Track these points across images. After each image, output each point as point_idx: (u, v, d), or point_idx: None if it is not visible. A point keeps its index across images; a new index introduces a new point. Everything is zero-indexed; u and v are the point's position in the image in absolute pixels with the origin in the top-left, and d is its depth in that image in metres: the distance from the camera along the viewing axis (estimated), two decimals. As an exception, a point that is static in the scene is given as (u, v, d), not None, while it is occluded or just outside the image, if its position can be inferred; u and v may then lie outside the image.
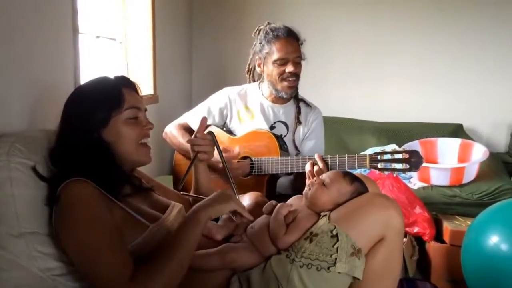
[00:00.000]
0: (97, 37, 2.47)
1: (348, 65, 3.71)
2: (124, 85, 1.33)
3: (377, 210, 1.25)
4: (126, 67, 2.82)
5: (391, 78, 3.67)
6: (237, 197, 1.45)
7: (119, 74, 1.39)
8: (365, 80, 3.70)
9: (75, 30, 1.86)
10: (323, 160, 1.75)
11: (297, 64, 2.00)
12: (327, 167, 1.75)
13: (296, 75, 2.01)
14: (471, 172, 2.71)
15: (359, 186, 1.37)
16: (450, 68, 3.59)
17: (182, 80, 3.71)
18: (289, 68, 1.97)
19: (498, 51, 3.51)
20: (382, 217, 1.24)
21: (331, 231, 1.21)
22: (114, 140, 1.28)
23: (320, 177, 1.41)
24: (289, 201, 1.44)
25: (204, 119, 1.63)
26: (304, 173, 1.77)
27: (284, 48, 1.97)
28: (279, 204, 1.34)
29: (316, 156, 1.75)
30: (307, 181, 1.73)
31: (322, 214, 1.29)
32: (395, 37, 3.62)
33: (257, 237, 1.30)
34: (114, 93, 1.29)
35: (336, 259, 1.18)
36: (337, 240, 1.20)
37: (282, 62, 1.97)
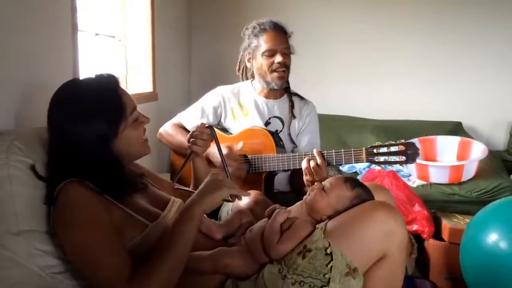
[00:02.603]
0: (96, 34, 2.46)
1: (347, 62, 3.71)
2: (117, 86, 1.27)
3: (376, 226, 1.16)
4: (125, 64, 2.82)
5: (391, 76, 3.68)
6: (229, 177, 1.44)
7: (104, 73, 1.30)
8: (364, 78, 3.70)
9: (74, 28, 1.86)
10: (322, 155, 1.75)
11: (286, 55, 2.01)
12: (327, 162, 1.75)
13: (285, 66, 2.01)
14: (470, 170, 2.72)
15: (362, 193, 1.31)
16: (449, 66, 3.59)
17: (181, 77, 3.71)
18: (278, 59, 1.98)
19: (498, 50, 3.51)
20: (381, 233, 1.16)
21: (326, 249, 1.15)
22: (125, 147, 1.26)
23: (322, 182, 1.37)
24: (291, 207, 1.38)
25: (202, 125, 1.66)
26: (301, 169, 1.77)
27: (272, 39, 1.99)
28: (276, 210, 1.28)
29: (314, 151, 1.75)
30: (304, 178, 1.73)
31: (318, 226, 1.23)
32: (394, 35, 3.62)
33: (253, 242, 1.26)
34: (116, 101, 1.23)
35: (329, 278, 1.12)
36: (331, 259, 1.13)
37: (271, 53, 1.99)
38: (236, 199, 1.27)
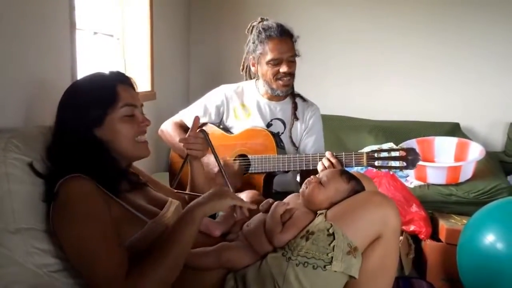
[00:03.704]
0: (95, 33, 2.46)
1: (346, 63, 3.72)
2: (119, 81, 1.31)
3: (373, 209, 1.24)
4: (123, 63, 2.82)
5: (389, 76, 3.68)
6: (231, 190, 1.46)
7: (114, 70, 1.36)
8: (363, 78, 3.70)
9: (72, 26, 1.85)
10: (335, 157, 1.74)
11: (291, 63, 1.98)
12: (341, 163, 1.74)
13: (290, 74, 1.99)
14: (467, 171, 2.72)
15: (356, 185, 1.37)
16: (448, 67, 3.59)
17: (180, 76, 3.71)
18: (283, 68, 1.96)
19: (496, 51, 3.52)
20: (378, 216, 1.23)
21: (328, 230, 1.21)
22: (110, 138, 1.28)
23: (317, 175, 1.41)
24: (286, 199, 1.43)
25: (196, 118, 1.64)
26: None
27: (278, 48, 1.95)
28: (275, 202, 1.33)
29: (327, 154, 1.75)
30: None
31: (318, 212, 1.29)
32: (393, 36, 3.63)
33: (253, 235, 1.30)
34: (109, 90, 1.27)
35: (332, 257, 1.17)
36: (333, 238, 1.19)
37: (276, 62, 1.96)
38: (239, 211, 1.30)
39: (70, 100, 1.28)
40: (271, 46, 1.95)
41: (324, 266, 1.17)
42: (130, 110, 1.30)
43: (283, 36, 1.97)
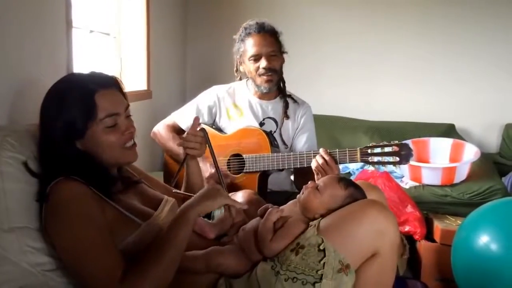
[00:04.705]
0: (91, 31, 2.45)
1: (341, 63, 3.72)
2: (98, 86, 1.24)
3: (368, 223, 1.18)
4: (119, 62, 2.81)
5: (385, 77, 3.68)
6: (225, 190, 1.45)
7: (93, 72, 1.30)
8: (358, 79, 3.71)
9: (68, 24, 1.85)
10: (329, 154, 1.74)
11: (271, 58, 1.99)
12: (335, 160, 1.73)
13: (271, 70, 1.99)
14: (462, 172, 2.73)
15: (354, 192, 1.32)
16: (443, 68, 3.60)
17: (176, 76, 3.70)
18: (263, 64, 1.98)
19: (491, 52, 3.53)
20: (374, 230, 1.17)
21: (319, 246, 1.16)
22: (94, 149, 1.25)
23: (316, 181, 1.38)
24: (284, 206, 1.38)
25: (196, 119, 1.63)
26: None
27: (256, 43, 1.98)
28: (269, 209, 1.29)
29: (321, 151, 1.75)
30: (316, 177, 1.72)
31: (311, 223, 1.24)
32: (389, 37, 3.63)
33: (246, 240, 1.27)
34: (87, 103, 1.21)
35: (322, 275, 1.13)
36: (324, 255, 1.15)
37: (256, 57, 1.99)
38: (231, 211, 1.29)
39: (49, 110, 1.24)
40: (250, 42, 2.00)
41: (314, 283, 1.13)
42: (112, 121, 1.25)
43: (262, 32, 1.99)
